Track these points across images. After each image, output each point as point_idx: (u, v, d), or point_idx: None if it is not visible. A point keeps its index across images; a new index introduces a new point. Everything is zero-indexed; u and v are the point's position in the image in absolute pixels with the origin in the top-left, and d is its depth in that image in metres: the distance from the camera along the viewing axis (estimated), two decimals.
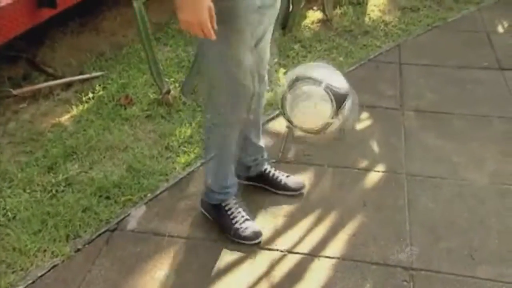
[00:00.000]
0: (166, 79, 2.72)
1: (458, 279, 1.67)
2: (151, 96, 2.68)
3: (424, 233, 1.84)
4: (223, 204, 1.86)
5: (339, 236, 1.84)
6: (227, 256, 1.78)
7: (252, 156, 1.99)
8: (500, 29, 3.28)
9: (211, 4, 1.40)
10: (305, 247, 1.81)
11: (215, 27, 1.41)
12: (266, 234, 1.86)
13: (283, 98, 1.74)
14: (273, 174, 2.05)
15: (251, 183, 2.06)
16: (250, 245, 1.81)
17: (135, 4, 2.38)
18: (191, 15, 1.37)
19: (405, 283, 1.67)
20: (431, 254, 1.76)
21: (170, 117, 2.54)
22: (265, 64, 1.79)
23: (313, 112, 1.70)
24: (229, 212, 1.85)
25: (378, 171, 2.14)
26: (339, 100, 1.66)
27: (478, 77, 2.78)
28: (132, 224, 1.92)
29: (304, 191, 2.04)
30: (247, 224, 1.84)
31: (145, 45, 2.51)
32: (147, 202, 2.02)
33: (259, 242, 1.82)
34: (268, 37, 1.74)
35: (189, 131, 2.43)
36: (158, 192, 2.07)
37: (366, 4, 3.61)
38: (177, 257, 1.78)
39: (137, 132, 2.44)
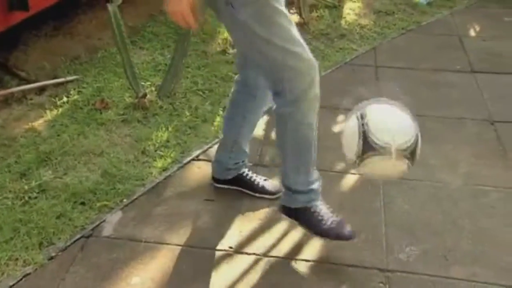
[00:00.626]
0: (142, 83, 2.70)
1: (433, 279, 1.69)
2: (127, 100, 2.66)
3: (400, 235, 1.86)
4: (309, 206, 1.75)
5: (315, 239, 1.85)
6: (203, 261, 1.77)
7: (234, 159, 1.99)
8: (472, 33, 3.35)
9: None
10: (282, 250, 1.81)
11: (199, 17, 1.52)
12: (242, 238, 1.86)
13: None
14: (251, 177, 2.05)
15: (227, 186, 2.06)
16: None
17: (109, 8, 2.36)
18: (174, 6, 1.51)
19: (381, 285, 1.68)
20: (406, 255, 1.78)
21: (146, 121, 2.52)
22: None
23: (388, 167, 1.60)
24: (315, 214, 1.74)
25: (354, 174, 2.16)
26: (412, 152, 1.56)
27: (451, 80, 2.83)
28: (107, 230, 1.89)
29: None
30: (338, 222, 1.74)
31: (120, 49, 2.48)
32: (123, 208, 2.00)
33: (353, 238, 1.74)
34: None
35: (165, 135, 2.41)
36: (134, 197, 2.05)
37: (342, 7, 3.65)
38: (153, 263, 1.76)
39: (113, 136, 2.41)
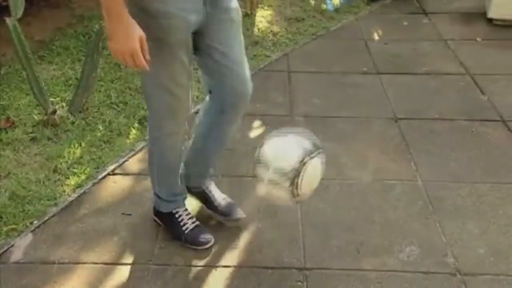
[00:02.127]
0: (52, 99, 2.60)
1: (347, 273, 1.77)
2: (36, 117, 2.55)
3: (316, 233, 1.93)
4: (174, 212, 1.88)
5: (235, 245, 1.88)
6: (122, 278, 1.74)
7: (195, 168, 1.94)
8: (376, 37, 3.55)
9: (143, 34, 1.39)
10: (202, 259, 1.82)
11: (147, 57, 1.41)
12: (162, 250, 1.84)
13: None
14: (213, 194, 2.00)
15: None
16: (199, 250, 1.85)
17: (8, 22, 2.25)
18: (122, 44, 1.37)
19: (299, 283, 1.74)
20: (322, 252, 1.85)
21: (57, 138, 2.42)
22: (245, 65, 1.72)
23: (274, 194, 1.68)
24: (179, 219, 1.88)
25: None
26: (293, 180, 1.59)
27: (359, 82, 2.98)
28: (16, 255, 1.80)
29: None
30: (196, 231, 1.87)
31: (24, 64, 2.37)
32: (33, 230, 1.91)
33: (210, 246, 1.86)
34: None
35: (78, 152, 2.33)
36: (45, 218, 1.97)
37: (255, 15, 3.73)
38: (68, 285, 1.70)
39: (21, 156, 2.30)
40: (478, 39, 3.45)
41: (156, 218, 1.95)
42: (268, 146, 1.65)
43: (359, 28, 3.63)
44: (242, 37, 1.68)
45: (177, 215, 1.89)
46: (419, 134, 2.50)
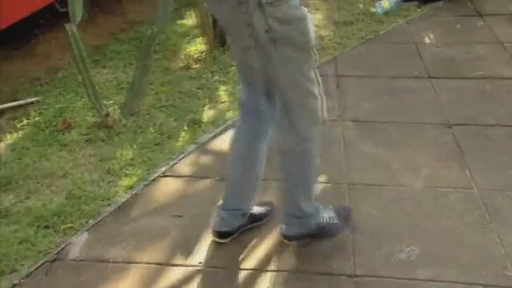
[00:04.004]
0: (105, 102, 2.68)
1: (399, 282, 1.73)
2: (90, 119, 2.63)
3: (366, 240, 1.90)
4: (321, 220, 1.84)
5: (286, 250, 1.86)
6: (173, 278, 1.76)
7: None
8: (427, 40, 3.46)
9: None
10: (252, 262, 1.82)
11: None
12: (212, 252, 1.86)
13: None
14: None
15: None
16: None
17: (68, 27, 2.34)
18: None
19: None
20: (373, 260, 1.82)
21: (110, 140, 2.49)
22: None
23: None
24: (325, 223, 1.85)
25: (320, 182, 2.19)
26: None
27: (409, 86, 2.91)
28: (73, 253, 1.86)
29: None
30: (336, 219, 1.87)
31: (81, 68, 2.46)
32: (89, 229, 1.97)
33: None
34: None
35: (130, 154, 2.39)
36: (100, 217, 2.02)
37: None
38: (122, 284, 1.74)
39: (77, 157, 2.38)
40: None
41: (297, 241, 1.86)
42: None
43: (410, 32, 3.55)
44: None
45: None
46: (475, 141, 2.41)
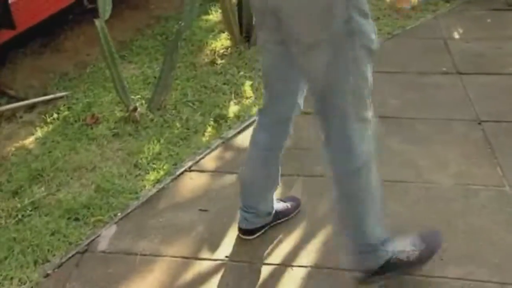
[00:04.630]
0: (132, 97, 2.71)
1: (430, 280, 1.71)
2: (118, 114, 2.66)
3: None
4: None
5: (310, 245, 1.86)
6: (200, 272, 1.78)
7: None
8: (456, 35, 3.40)
9: None
10: (278, 257, 1.82)
11: None
12: (238, 247, 1.86)
13: None
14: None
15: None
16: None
17: (97, 23, 2.37)
18: None
19: None
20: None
21: (137, 135, 2.52)
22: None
23: None
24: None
25: None
26: None
27: (437, 82, 2.86)
28: (102, 245, 1.89)
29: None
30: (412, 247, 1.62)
31: (109, 63, 2.49)
32: (117, 222, 2.00)
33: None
34: None
35: (157, 148, 2.41)
36: (128, 210, 2.05)
37: None
38: (150, 276, 1.76)
39: (105, 151, 2.41)
40: None
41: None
42: None
43: (438, 27, 3.49)
44: None
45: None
46: (506, 138, 2.36)
